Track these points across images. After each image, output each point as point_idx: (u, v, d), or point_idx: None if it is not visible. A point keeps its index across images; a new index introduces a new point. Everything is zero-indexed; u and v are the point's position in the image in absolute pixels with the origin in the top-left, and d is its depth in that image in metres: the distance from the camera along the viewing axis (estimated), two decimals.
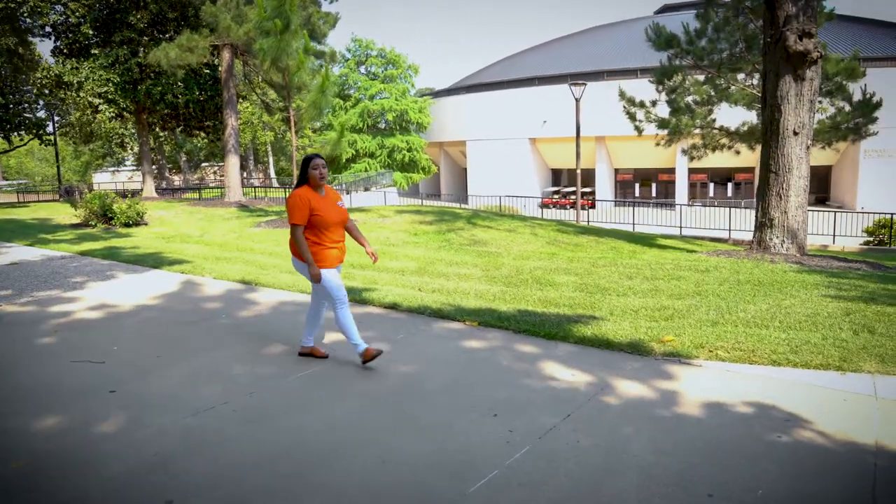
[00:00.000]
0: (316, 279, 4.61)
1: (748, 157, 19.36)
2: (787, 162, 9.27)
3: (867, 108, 15.92)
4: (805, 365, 4.68)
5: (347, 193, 36.92)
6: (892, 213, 21.24)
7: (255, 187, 44.09)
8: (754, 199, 35.77)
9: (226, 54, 23.18)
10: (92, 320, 6.51)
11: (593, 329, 5.61)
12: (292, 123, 16.16)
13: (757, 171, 38.92)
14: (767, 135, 9.55)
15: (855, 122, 15.96)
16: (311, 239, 4.64)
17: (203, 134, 30.46)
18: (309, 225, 4.61)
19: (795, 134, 9.20)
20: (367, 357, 4.76)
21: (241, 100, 29.57)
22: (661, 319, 6.00)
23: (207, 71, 26.41)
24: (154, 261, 10.13)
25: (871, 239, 22.09)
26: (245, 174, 60.78)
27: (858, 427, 3.75)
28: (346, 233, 4.92)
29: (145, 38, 24.74)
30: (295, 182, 4.71)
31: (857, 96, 16.44)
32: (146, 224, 16.81)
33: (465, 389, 4.40)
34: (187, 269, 9.30)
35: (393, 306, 6.71)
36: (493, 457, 3.44)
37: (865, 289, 7.16)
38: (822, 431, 3.69)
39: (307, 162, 4.64)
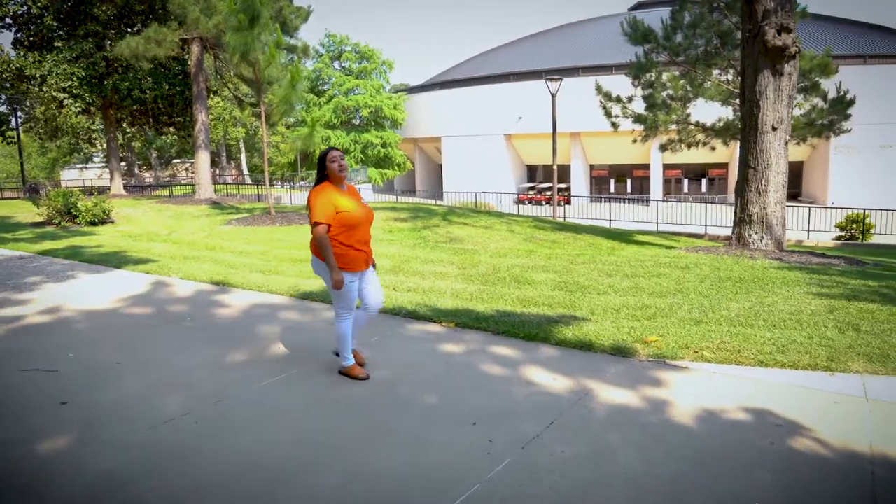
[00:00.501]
0: (338, 285, 4.15)
1: (722, 152, 19.43)
2: (765, 157, 9.19)
3: (841, 106, 16.00)
4: (793, 365, 4.54)
5: None
6: (864, 209, 21.47)
7: (227, 184, 43.41)
8: (728, 195, 36.08)
9: (195, 48, 22.64)
10: (47, 324, 6.16)
11: (574, 330, 5.42)
12: (263, 119, 15.78)
13: (730, 167, 39.40)
14: (746, 130, 9.46)
15: (829, 119, 16.03)
16: (336, 240, 4.17)
17: (173, 130, 29.79)
18: (333, 224, 4.15)
19: (774, 129, 9.12)
20: (350, 374, 4.48)
21: (212, 95, 28.98)
22: (643, 319, 5.83)
23: (177, 65, 25.79)
24: (118, 260, 9.75)
25: (843, 234, 22.32)
26: (217, 171, 59.84)
27: (852, 431, 3.60)
28: (370, 232, 4.50)
29: (112, 31, 24.05)
30: (314, 180, 4.31)
31: (831, 93, 16.53)
32: (112, 222, 16.31)
33: (442, 396, 4.18)
34: (153, 269, 8.95)
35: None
36: (472, 470, 3.22)
37: (847, 285, 7.08)
38: (815, 437, 3.54)
39: (324, 156, 4.24)
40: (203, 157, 23.81)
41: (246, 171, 59.78)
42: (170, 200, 23.21)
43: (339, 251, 4.18)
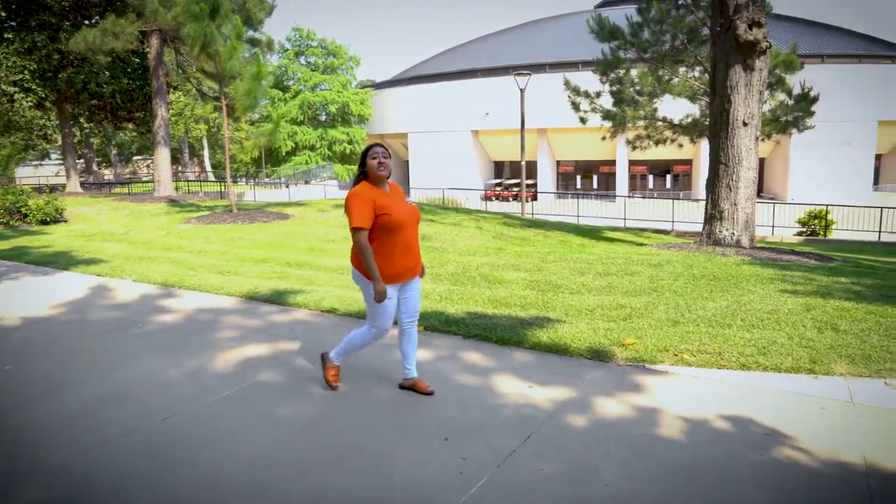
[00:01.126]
0: (381, 297, 3.67)
1: (686, 149, 19.46)
2: (737, 153, 9.10)
3: (805, 102, 16.11)
4: (776, 368, 4.37)
5: (287, 187, 35.85)
6: (826, 205, 21.77)
7: (189, 181, 42.45)
8: (692, 191, 36.41)
9: (154, 40, 21.92)
10: None
11: (549, 333, 5.19)
12: (225, 113, 15.29)
13: (695, 164, 39.79)
14: (717, 125, 9.36)
15: (794, 116, 16.13)
16: (377, 246, 3.71)
17: (132, 125, 28.89)
18: (374, 228, 3.69)
19: (745, 125, 9.03)
20: (329, 379, 4.23)
21: (172, 90, 28.18)
22: (619, 319, 5.63)
23: (136, 59, 24.98)
24: (67, 261, 9.24)
25: (804, 229, 22.61)
26: (179, 168, 58.48)
27: (843, 440, 3.43)
28: (418, 234, 3.99)
29: (66, 22, 23.15)
30: (353, 179, 3.93)
31: (794, 90, 16.65)
32: (65, 221, 15.65)
33: (410, 409, 3.90)
34: (104, 271, 8.49)
35: (331, 310, 6.14)
36: (445, 491, 2.95)
37: (819, 282, 6.99)
38: (805, 448, 3.35)
39: (366, 153, 3.80)
40: (163, 154, 23.10)
41: (209, 168, 58.58)
42: (128, 198, 22.46)
43: (381, 259, 3.71)
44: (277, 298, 6.69)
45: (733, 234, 9.25)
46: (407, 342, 4.09)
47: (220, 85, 15.49)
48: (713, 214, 9.44)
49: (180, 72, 26.29)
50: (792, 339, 4.89)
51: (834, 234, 21.49)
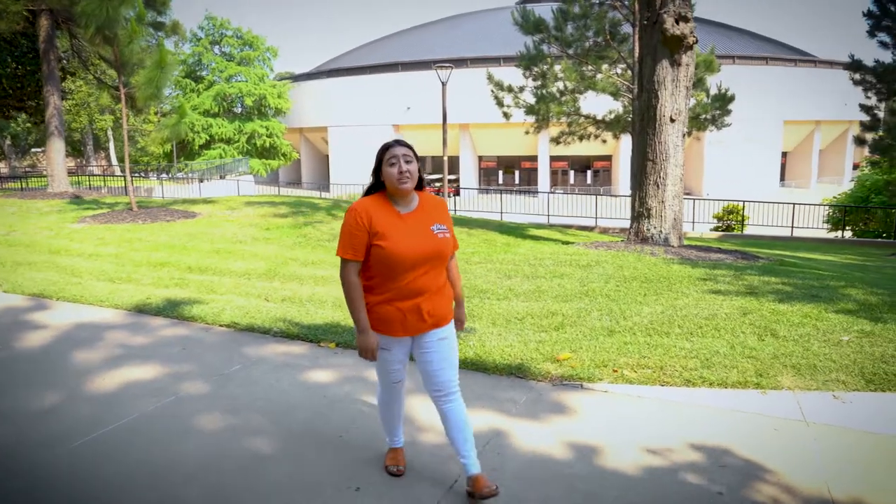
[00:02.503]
0: (363, 354, 2.71)
1: (607, 145, 19.52)
2: (664, 150, 8.88)
3: (722, 101, 16.35)
4: (722, 384, 4.00)
5: (200, 182, 34.10)
6: (742, 201, 22.34)
7: (92, 176, 39.83)
8: (612, 187, 37.06)
9: (44, 21, 20.11)
10: None
11: (476, 348, 4.67)
12: (124, 102, 14.08)
13: (614, 160, 40.54)
14: (644, 121, 9.11)
15: (712, 114, 16.34)
16: (368, 285, 2.72)
17: (25, 115, 26.67)
18: (369, 262, 2.69)
19: (672, 121, 8.82)
20: (386, 462, 3.09)
21: (70, 76, 26.17)
22: (550, 329, 5.18)
23: (26, 42, 22.94)
24: None
25: (720, 224, 23.18)
26: (82, 161, 54.94)
27: (803, 468, 3.06)
28: (442, 278, 2.81)
29: None
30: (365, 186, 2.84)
31: (712, 90, 16.88)
32: None
33: (314, 449, 3.28)
34: None
35: (231, 325, 5.42)
36: None
37: (750, 283, 6.78)
38: (766, 479, 2.95)
39: (381, 155, 2.73)
40: (56, 146, 21.26)
41: (115, 162, 55.33)
42: (17, 194, 20.60)
43: (371, 301, 2.71)
44: (171, 310, 5.90)
45: (661, 231, 9.04)
46: (448, 425, 2.83)
47: (118, 72, 14.24)
48: (641, 212, 9.20)
49: (76, 56, 24.39)
50: (734, 349, 4.56)
51: (748, 230, 22.10)
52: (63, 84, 35.47)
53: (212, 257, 9.00)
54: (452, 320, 2.89)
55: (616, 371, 4.20)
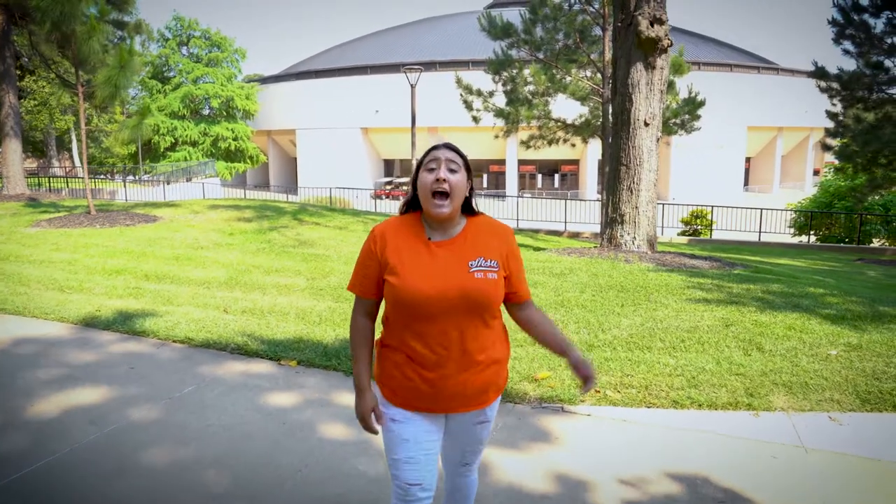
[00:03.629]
0: (364, 424, 2.05)
1: (574, 149, 19.45)
2: (638, 154, 8.70)
3: (693, 105, 16.36)
4: (711, 405, 3.76)
5: (168, 184, 33.19)
6: (712, 205, 22.44)
7: (54, 177, 38.56)
8: (579, 190, 37.16)
9: None
10: None
11: None
12: (81, 101, 13.48)
13: (581, 164, 40.70)
14: (618, 125, 8.93)
15: (682, 119, 16.33)
16: (389, 331, 2.05)
17: None
18: (385, 301, 2.04)
19: (647, 125, 8.64)
20: None
21: (27, 74, 25.24)
22: (526, 343, 4.89)
23: None
24: None
25: (687, 229, 23.26)
26: (45, 162, 53.29)
27: (807, 501, 2.82)
28: (486, 337, 1.99)
29: None
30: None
31: (681, 94, 16.90)
32: None
33: (271, 487, 2.94)
34: None
35: (185, 341, 5.03)
36: None
37: (730, 291, 6.61)
38: None
39: (424, 155, 2.03)
40: (12, 146, 20.43)
41: (78, 163, 53.77)
42: None
43: (383, 357, 2.05)
44: (122, 324, 5.48)
45: (634, 238, 8.85)
46: (450, 498, 2.29)
47: (76, 69, 13.65)
48: (614, 218, 9.01)
49: (35, 53, 23.50)
50: (720, 365, 4.34)
51: (715, 234, 22.20)
52: (23, 83, 34.27)
53: (171, 264, 8.55)
54: (498, 399, 2.11)
55: (598, 391, 3.93)
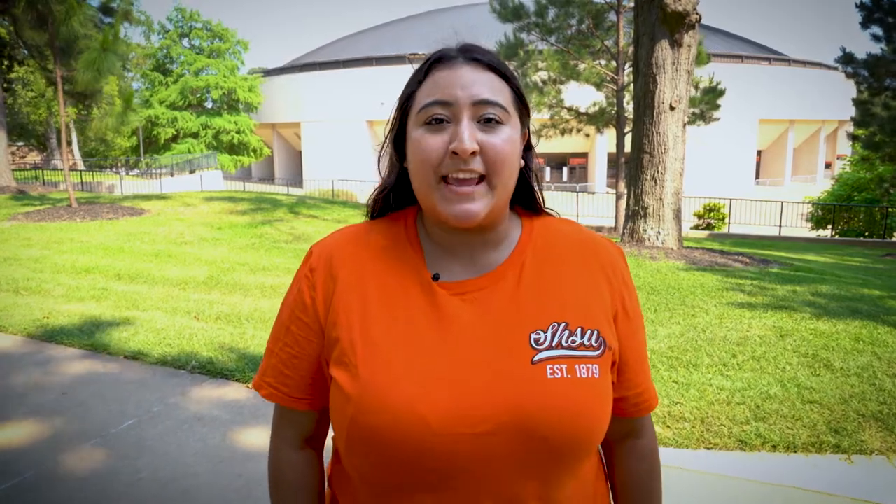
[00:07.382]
0: None
1: (583, 141, 18.65)
2: (663, 141, 7.88)
3: (713, 95, 15.50)
4: (788, 445, 2.96)
5: (171, 176, 32.43)
6: (727, 198, 21.60)
7: (53, 170, 37.90)
8: (588, 183, 36.39)
9: None
10: None
11: None
12: (60, 87, 12.73)
13: (590, 156, 39.91)
14: (640, 110, 8.11)
15: (701, 108, 15.47)
16: (334, 484, 0.95)
17: None
18: (333, 428, 0.89)
19: (672, 108, 7.82)
20: None
21: (16, 65, 24.53)
22: None
23: None
24: None
25: (700, 222, 22.36)
26: (47, 155, 52.71)
27: None
28: (572, 487, 0.84)
29: None
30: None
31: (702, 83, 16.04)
32: None
33: None
34: None
35: (137, 356, 4.23)
36: None
37: (774, 293, 5.80)
38: None
39: (415, 88, 0.95)
40: None
41: (78, 157, 53.17)
42: None
43: None
44: (69, 335, 4.68)
45: (659, 233, 8.04)
46: None
47: (53, 53, 12.89)
48: (636, 211, 8.20)
49: (20, 42, 22.75)
50: (787, 389, 3.53)
51: (729, 228, 21.33)
52: (15, 73, 33.56)
53: (148, 261, 7.78)
54: None
55: None
